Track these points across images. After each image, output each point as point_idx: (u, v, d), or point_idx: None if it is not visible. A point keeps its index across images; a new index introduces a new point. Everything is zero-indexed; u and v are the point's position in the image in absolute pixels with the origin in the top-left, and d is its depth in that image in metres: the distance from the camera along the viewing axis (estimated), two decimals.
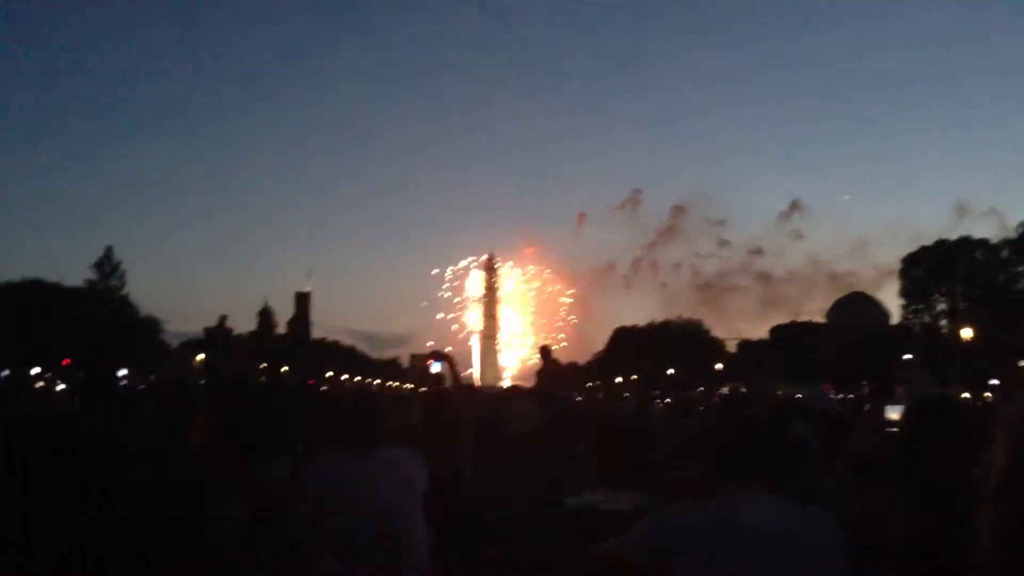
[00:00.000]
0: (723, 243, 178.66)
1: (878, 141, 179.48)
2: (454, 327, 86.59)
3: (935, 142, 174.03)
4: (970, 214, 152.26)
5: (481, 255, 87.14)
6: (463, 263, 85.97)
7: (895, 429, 3.31)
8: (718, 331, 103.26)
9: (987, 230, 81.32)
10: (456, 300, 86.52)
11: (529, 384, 16.04)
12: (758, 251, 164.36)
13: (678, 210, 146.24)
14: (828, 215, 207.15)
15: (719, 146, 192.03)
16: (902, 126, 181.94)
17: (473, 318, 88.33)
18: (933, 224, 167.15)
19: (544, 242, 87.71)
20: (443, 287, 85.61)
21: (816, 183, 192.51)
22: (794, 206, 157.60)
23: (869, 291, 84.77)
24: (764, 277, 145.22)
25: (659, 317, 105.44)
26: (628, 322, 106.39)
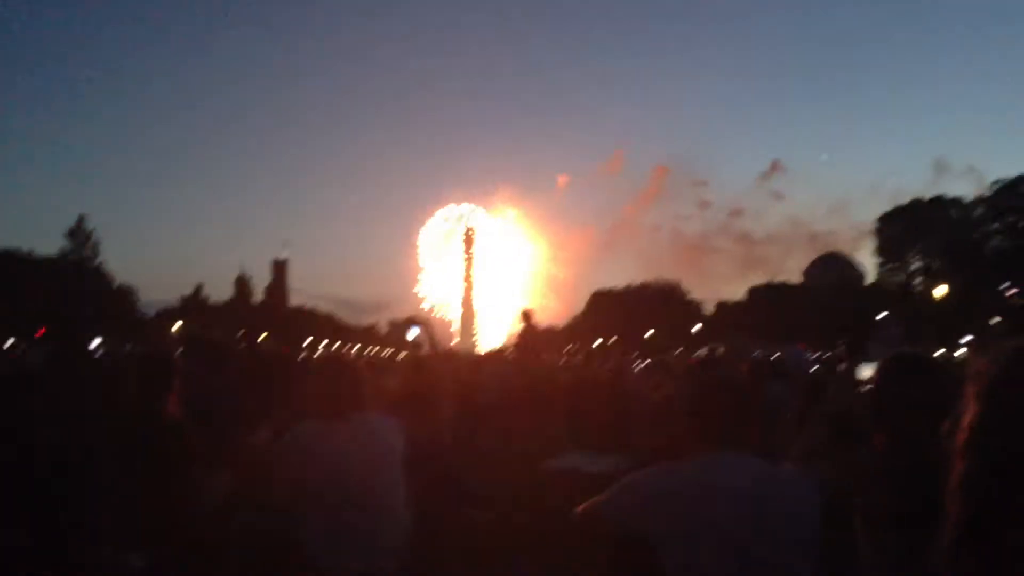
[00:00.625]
0: (704, 204, 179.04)
1: (857, 100, 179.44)
2: (430, 294, 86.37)
3: (914, 100, 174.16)
4: (949, 172, 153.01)
5: (460, 216, 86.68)
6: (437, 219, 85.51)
7: (868, 387, 3.34)
8: (698, 293, 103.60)
9: (966, 188, 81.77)
10: (432, 264, 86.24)
11: (507, 349, 16.03)
12: (739, 212, 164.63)
13: (659, 171, 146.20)
14: (808, 175, 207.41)
15: (700, 107, 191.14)
16: (881, 84, 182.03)
17: (452, 284, 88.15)
18: (913, 183, 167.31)
19: (525, 204, 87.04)
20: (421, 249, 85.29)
21: (796, 143, 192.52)
22: (774, 166, 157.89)
23: (848, 251, 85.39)
24: (744, 238, 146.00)
25: (639, 279, 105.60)
26: (608, 285, 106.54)
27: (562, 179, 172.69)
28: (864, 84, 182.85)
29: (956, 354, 37.87)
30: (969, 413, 1.75)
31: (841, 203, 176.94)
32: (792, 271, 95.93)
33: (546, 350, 22.24)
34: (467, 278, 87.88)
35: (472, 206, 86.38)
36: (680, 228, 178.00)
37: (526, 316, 15.83)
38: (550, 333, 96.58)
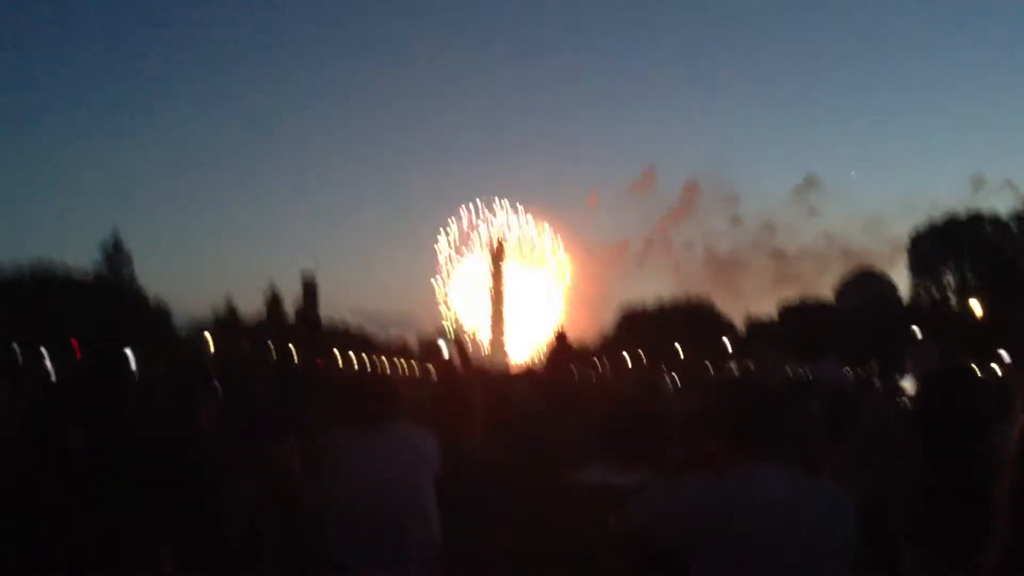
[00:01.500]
0: (736, 220, 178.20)
1: (893, 114, 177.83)
2: (460, 312, 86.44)
3: (952, 115, 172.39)
4: (986, 187, 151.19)
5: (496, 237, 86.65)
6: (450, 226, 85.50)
7: (905, 400, 3.31)
8: (730, 309, 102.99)
9: (1004, 203, 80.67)
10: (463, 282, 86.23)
11: (539, 366, 16.06)
12: (771, 228, 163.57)
13: (691, 188, 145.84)
14: (842, 191, 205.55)
15: (732, 122, 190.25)
16: (918, 99, 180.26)
17: (482, 302, 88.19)
18: (949, 198, 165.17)
19: (556, 221, 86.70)
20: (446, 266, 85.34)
21: (830, 158, 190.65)
22: (809, 181, 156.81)
23: (884, 266, 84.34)
24: (778, 254, 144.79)
25: (671, 296, 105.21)
26: (640, 301, 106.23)
27: (593, 195, 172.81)
28: (900, 98, 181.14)
29: (991, 371, 37.37)
30: (1018, 424, 1.72)
31: (876, 218, 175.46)
32: (826, 287, 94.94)
33: (578, 367, 22.20)
34: (497, 292, 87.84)
35: (504, 208, 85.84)
36: (713, 244, 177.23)
37: (560, 336, 15.88)
38: (581, 349, 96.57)
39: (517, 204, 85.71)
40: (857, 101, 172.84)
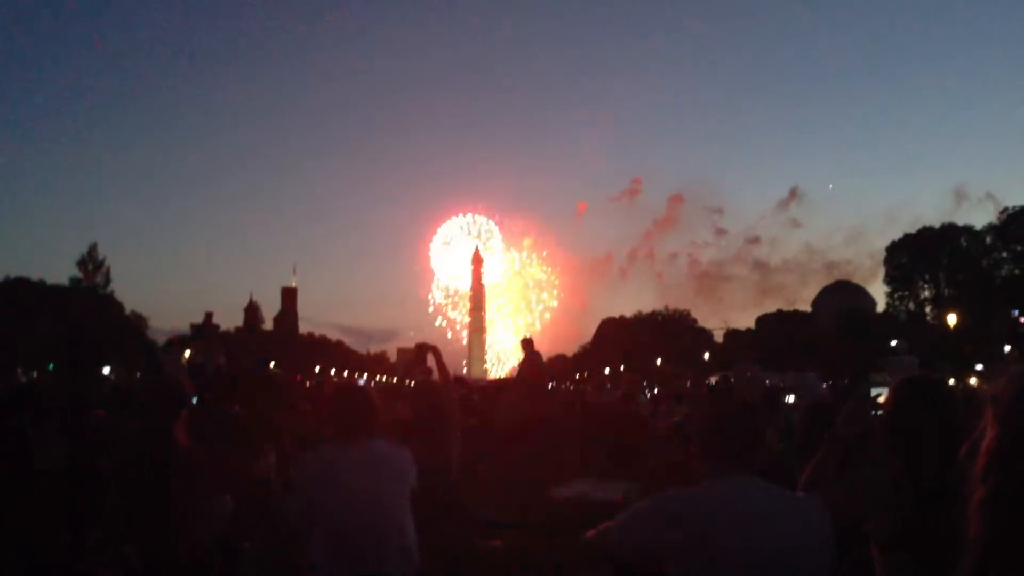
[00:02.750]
0: (720, 232, 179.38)
1: (876, 129, 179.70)
2: (441, 322, 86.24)
3: (934, 129, 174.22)
4: (968, 200, 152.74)
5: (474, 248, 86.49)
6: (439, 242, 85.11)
7: (879, 413, 3.32)
8: (712, 320, 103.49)
9: (986, 216, 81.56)
10: (444, 298, 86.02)
11: (513, 376, 16.02)
12: (755, 240, 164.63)
13: (676, 199, 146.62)
14: (825, 203, 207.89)
15: (718, 136, 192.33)
16: (901, 113, 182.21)
17: (460, 313, 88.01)
18: (932, 211, 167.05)
19: (542, 232, 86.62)
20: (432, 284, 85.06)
21: (814, 172, 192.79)
22: (793, 194, 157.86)
23: (865, 279, 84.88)
24: (761, 266, 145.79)
25: (655, 307, 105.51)
26: (624, 312, 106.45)
27: (581, 205, 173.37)
28: (884, 112, 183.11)
29: (967, 382, 37.64)
30: (988, 437, 1.74)
31: (858, 231, 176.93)
32: (808, 299, 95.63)
33: (551, 378, 22.17)
34: (476, 307, 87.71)
35: (484, 219, 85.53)
36: (696, 255, 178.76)
37: (526, 344, 15.78)
38: (560, 361, 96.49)
39: (504, 217, 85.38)
40: (841, 115, 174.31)
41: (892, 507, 2.85)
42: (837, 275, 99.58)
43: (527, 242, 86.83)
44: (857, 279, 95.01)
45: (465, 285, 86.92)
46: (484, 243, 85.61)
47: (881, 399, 3.80)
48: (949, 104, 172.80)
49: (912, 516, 2.77)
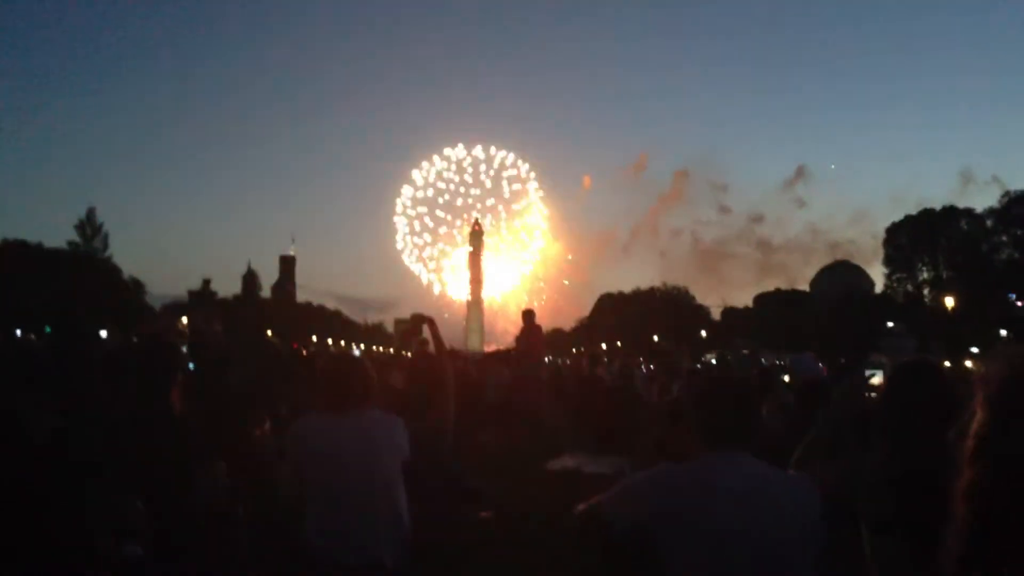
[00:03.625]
0: (724, 210, 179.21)
1: (884, 109, 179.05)
2: (439, 291, 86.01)
3: (942, 110, 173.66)
4: (974, 183, 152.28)
5: (473, 219, 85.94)
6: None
7: (874, 395, 3.33)
8: (712, 298, 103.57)
9: (991, 198, 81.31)
10: (435, 263, 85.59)
11: (512, 350, 15.99)
12: (759, 218, 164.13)
13: (681, 175, 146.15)
14: (831, 184, 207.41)
15: (725, 113, 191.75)
16: (908, 94, 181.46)
17: (460, 283, 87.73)
18: (938, 193, 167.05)
19: (547, 204, 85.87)
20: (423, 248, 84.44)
21: (820, 151, 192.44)
22: (799, 173, 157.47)
23: (867, 260, 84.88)
24: (764, 245, 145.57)
25: (657, 283, 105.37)
26: (626, 288, 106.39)
27: (587, 179, 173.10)
28: (891, 93, 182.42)
29: (964, 364, 37.76)
30: (976, 420, 1.74)
31: (863, 212, 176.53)
32: (809, 280, 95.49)
33: (546, 351, 22.17)
34: (475, 279, 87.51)
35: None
36: (700, 233, 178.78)
37: (527, 316, 15.79)
38: (558, 335, 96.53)
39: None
40: (849, 95, 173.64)
41: (884, 490, 2.85)
42: (840, 255, 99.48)
43: (529, 216, 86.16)
44: (859, 260, 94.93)
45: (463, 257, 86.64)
46: (476, 222, 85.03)
47: (876, 380, 3.81)
48: (957, 86, 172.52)
49: (904, 499, 2.78)
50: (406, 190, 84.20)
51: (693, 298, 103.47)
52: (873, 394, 3.64)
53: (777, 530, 2.57)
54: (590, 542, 3.03)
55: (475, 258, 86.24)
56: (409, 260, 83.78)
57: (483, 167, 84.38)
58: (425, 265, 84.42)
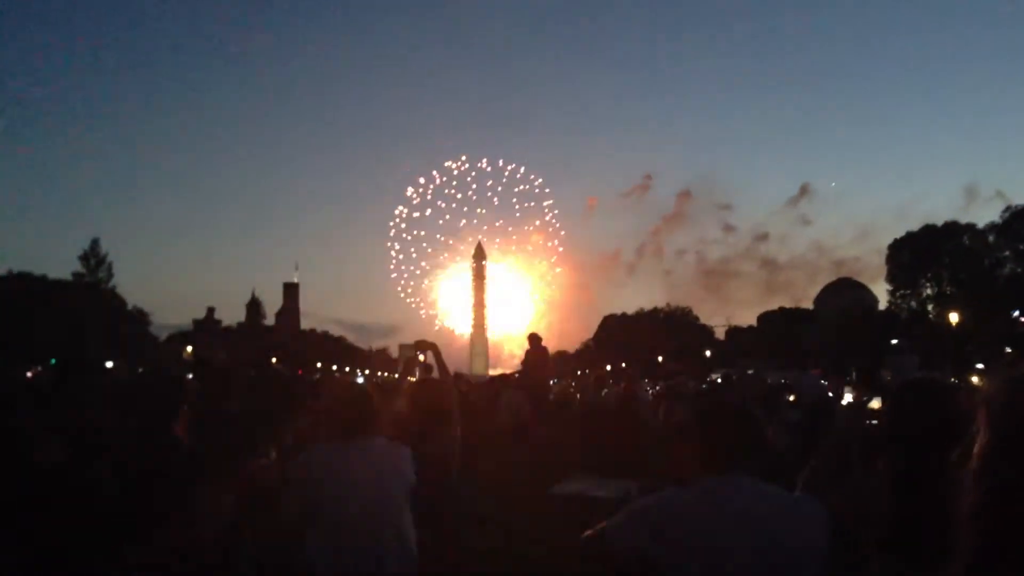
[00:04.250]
0: (729, 229, 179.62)
1: (888, 125, 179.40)
2: (442, 320, 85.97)
3: (946, 126, 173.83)
4: (979, 198, 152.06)
5: (476, 243, 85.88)
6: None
7: (875, 422, 3.31)
8: (717, 318, 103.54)
9: (996, 213, 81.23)
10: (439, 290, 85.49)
11: (516, 373, 15.98)
12: (764, 237, 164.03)
13: (684, 196, 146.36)
14: (836, 201, 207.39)
15: (728, 132, 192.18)
16: (912, 110, 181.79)
17: (463, 308, 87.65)
18: (942, 208, 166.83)
19: (550, 228, 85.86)
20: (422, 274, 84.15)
21: (824, 169, 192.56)
22: (804, 190, 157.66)
23: (873, 277, 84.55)
24: (769, 263, 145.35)
25: (662, 304, 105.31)
26: (631, 309, 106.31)
27: (592, 201, 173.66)
28: (895, 109, 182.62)
29: (971, 380, 37.58)
30: (980, 440, 1.73)
31: (869, 229, 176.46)
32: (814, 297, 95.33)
33: (554, 374, 22.17)
34: (479, 303, 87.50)
35: (497, 228, 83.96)
36: (704, 252, 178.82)
37: (533, 339, 15.80)
38: (563, 357, 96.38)
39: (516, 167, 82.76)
40: (852, 113, 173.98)
41: (889, 510, 2.84)
42: (846, 272, 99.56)
43: (537, 237, 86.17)
44: (865, 277, 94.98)
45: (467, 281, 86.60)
46: (480, 243, 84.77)
47: (875, 404, 3.79)
48: (961, 101, 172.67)
49: (909, 520, 2.76)
50: (400, 210, 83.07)
51: (697, 318, 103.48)
52: (873, 421, 3.61)
53: (784, 553, 2.56)
54: (596, 567, 3.01)
55: (478, 281, 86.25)
56: (404, 292, 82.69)
57: (490, 182, 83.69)
58: (423, 298, 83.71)
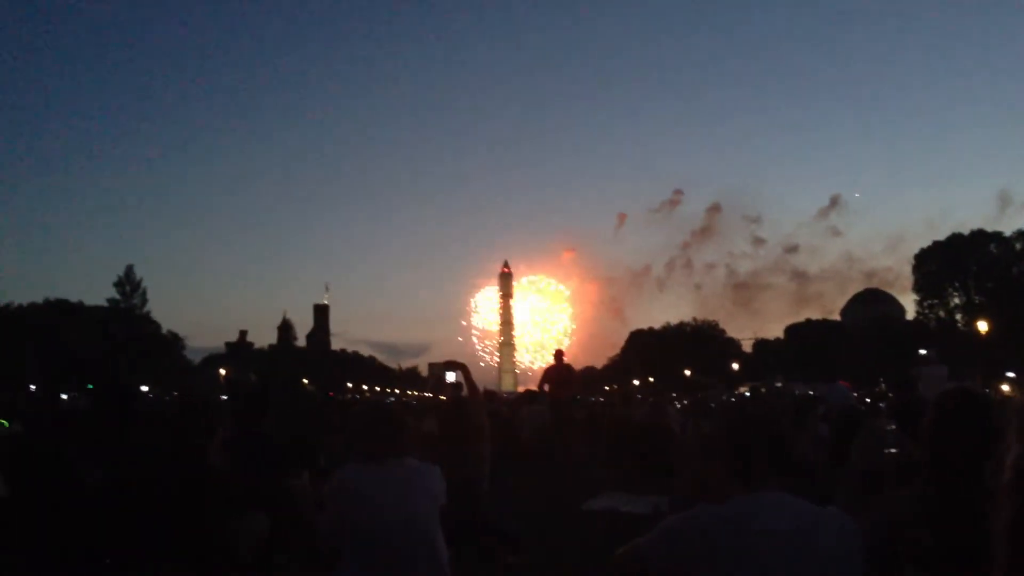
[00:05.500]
0: (758, 241, 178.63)
1: (919, 135, 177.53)
2: (473, 335, 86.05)
3: (978, 134, 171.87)
4: (1012, 206, 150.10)
5: (503, 261, 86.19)
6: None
7: (893, 451, 3.28)
8: (747, 331, 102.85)
9: None
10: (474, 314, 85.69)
11: (543, 388, 15.96)
12: (794, 248, 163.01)
13: (714, 209, 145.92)
14: (866, 211, 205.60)
15: (758, 145, 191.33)
16: (943, 118, 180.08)
17: (492, 326, 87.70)
18: (974, 218, 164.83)
19: (582, 245, 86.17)
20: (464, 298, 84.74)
21: (855, 179, 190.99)
22: (834, 202, 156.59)
23: (905, 288, 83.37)
24: (799, 275, 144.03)
25: (689, 318, 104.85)
26: (660, 324, 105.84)
27: (622, 217, 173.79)
28: (926, 117, 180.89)
29: (1002, 389, 37.12)
30: (1012, 452, 1.70)
31: (900, 239, 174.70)
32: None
33: (580, 390, 22.06)
34: (506, 320, 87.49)
35: (529, 249, 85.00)
36: (734, 266, 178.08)
37: (557, 356, 15.83)
38: (591, 373, 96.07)
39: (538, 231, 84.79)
40: (883, 122, 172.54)
41: (924, 524, 2.83)
42: (877, 283, 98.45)
43: (567, 256, 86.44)
44: (896, 287, 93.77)
45: (494, 303, 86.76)
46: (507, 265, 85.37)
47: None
48: (992, 109, 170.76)
49: (944, 533, 2.75)
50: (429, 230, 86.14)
51: (723, 332, 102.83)
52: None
53: (817, 570, 2.56)
54: None
55: (505, 300, 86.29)
56: (433, 311, 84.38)
57: (518, 199, 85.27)
58: (453, 317, 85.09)
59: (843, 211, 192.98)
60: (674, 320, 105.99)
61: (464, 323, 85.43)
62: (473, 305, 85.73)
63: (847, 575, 2.61)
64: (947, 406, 3.05)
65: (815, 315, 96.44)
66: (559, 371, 15.49)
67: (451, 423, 7.57)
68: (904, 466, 3.29)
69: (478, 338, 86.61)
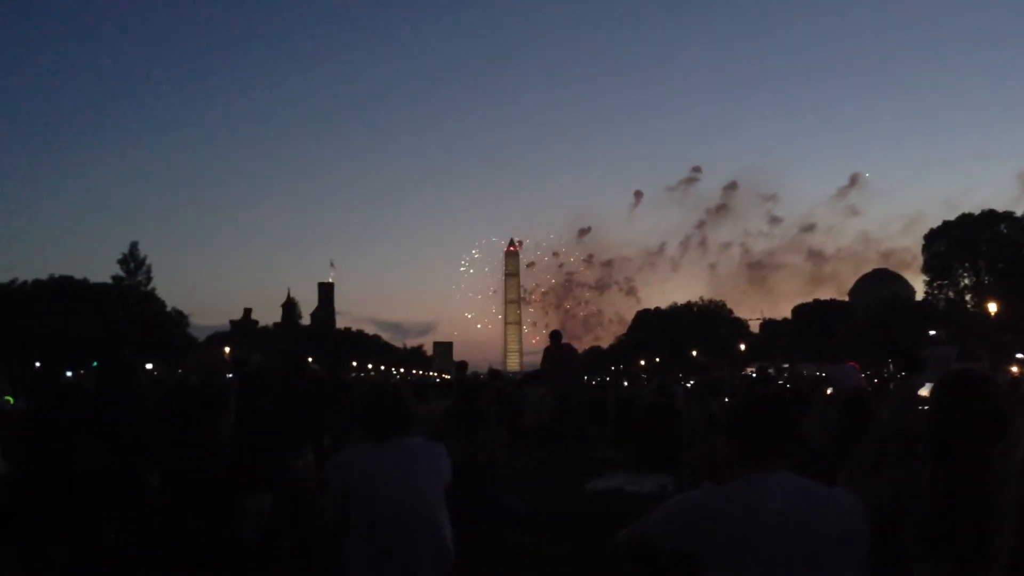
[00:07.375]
0: (775, 220, 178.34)
1: (939, 114, 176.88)
2: (476, 317, 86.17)
3: (998, 113, 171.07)
4: None
5: (509, 240, 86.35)
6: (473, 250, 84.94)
7: (925, 407, 3.26)
8: (757, 311, 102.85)
9: None
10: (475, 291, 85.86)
11: (545, 367, 15.93)
12: (810, 227, 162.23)
13: (731, 187, 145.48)
14: (885, 191, 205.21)
15: (778, 122, 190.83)
16: (964, 98, 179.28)
17: (497, 305, 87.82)
18: (995, 198, 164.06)
19: (596, 224, 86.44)
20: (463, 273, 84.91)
21: (875, 159, 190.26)
22: (854, 180, 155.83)
23: (919, 267, 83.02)
24: (815, 255, 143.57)
25: (701, 298, 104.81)
26: (657, 304, 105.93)
27: (639, 195, 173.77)
28: (946, 97, 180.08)
29: (1011, 371, 37.05)
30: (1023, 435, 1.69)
31: (918, 219, 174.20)
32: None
33: (583, 371, 22.06)
34: (512, 300, 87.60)
35: (546, 228, 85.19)
36: (749, 245, 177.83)
37: (555, 336, 15.79)
38: (595, 352, 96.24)
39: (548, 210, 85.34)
40: (903, 101, 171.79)
41: (931, 505, 2.81)
42: (893, 264, 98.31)
43: (581, 235, 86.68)
44: (913, 268, 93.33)
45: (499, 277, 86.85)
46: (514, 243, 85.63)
47: (924, 391, 3.74)
48: (1016, 88, 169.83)
49: (952, 514, 2.73)
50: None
51: (731, 312, 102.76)
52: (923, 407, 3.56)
53: (823, 549, 2.55)
54: (635, 565, 3.02)
55: (512, 279, 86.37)
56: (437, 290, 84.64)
57: (527, 175, 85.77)
58: (458, 296, 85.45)
59: (863, 190, 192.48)
60: (687, 299, 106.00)
61: (469, 302, 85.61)
62: (479, 284, 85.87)
63: (852, 554, 2.60)
64: (952, 388, 3.03)
65: (828, 296, 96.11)
66: (559, 351, 15.46)
67: (458, 402, 7.58)
68: (907, 438, 3.27)
69: (483, 317, 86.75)
